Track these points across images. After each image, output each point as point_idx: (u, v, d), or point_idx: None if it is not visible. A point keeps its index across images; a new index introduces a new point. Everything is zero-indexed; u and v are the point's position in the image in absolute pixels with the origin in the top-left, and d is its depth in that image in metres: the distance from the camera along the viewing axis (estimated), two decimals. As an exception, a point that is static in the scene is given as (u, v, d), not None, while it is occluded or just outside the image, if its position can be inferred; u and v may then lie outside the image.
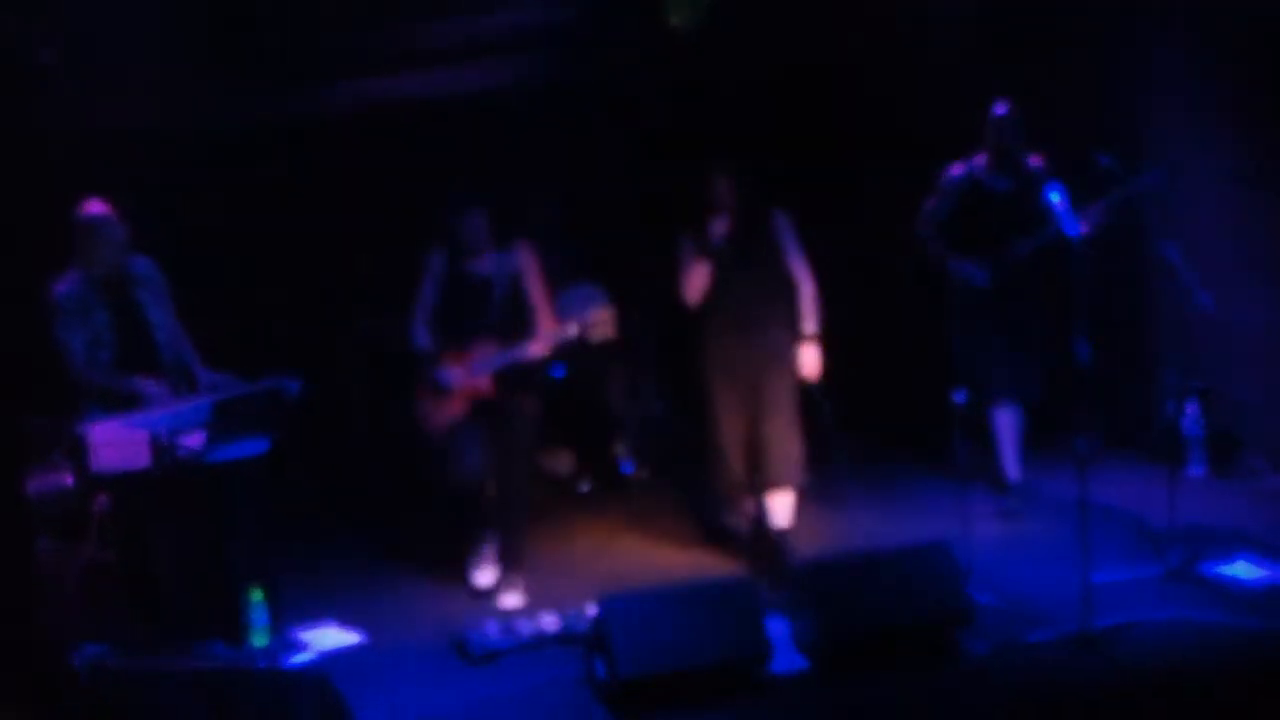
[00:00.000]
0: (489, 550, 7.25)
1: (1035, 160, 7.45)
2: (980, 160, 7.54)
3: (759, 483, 7.21)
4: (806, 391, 7.20)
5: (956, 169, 7.59)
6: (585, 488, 8.72)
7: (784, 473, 7.15)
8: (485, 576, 7.23)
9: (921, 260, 7.69)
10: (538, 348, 7.01)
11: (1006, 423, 7.71)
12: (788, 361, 7.12)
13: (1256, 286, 7.93)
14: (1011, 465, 7.75)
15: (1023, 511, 7.61)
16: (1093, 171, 6.99)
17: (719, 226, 7.04)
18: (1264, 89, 7.72)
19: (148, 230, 6.86)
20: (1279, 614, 6.34)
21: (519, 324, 7.10)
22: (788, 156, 8.39)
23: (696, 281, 7.07)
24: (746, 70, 9.28)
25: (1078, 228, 6.33)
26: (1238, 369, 8.22)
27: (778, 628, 6.27)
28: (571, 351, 7.20)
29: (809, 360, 7.13)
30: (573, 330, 7.00)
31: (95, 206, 6.64)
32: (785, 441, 7.11)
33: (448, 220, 7.07)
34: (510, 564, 7.17)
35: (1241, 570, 6.80)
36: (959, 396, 6.76)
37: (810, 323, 7.14)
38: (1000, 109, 7.41)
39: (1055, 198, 6.45)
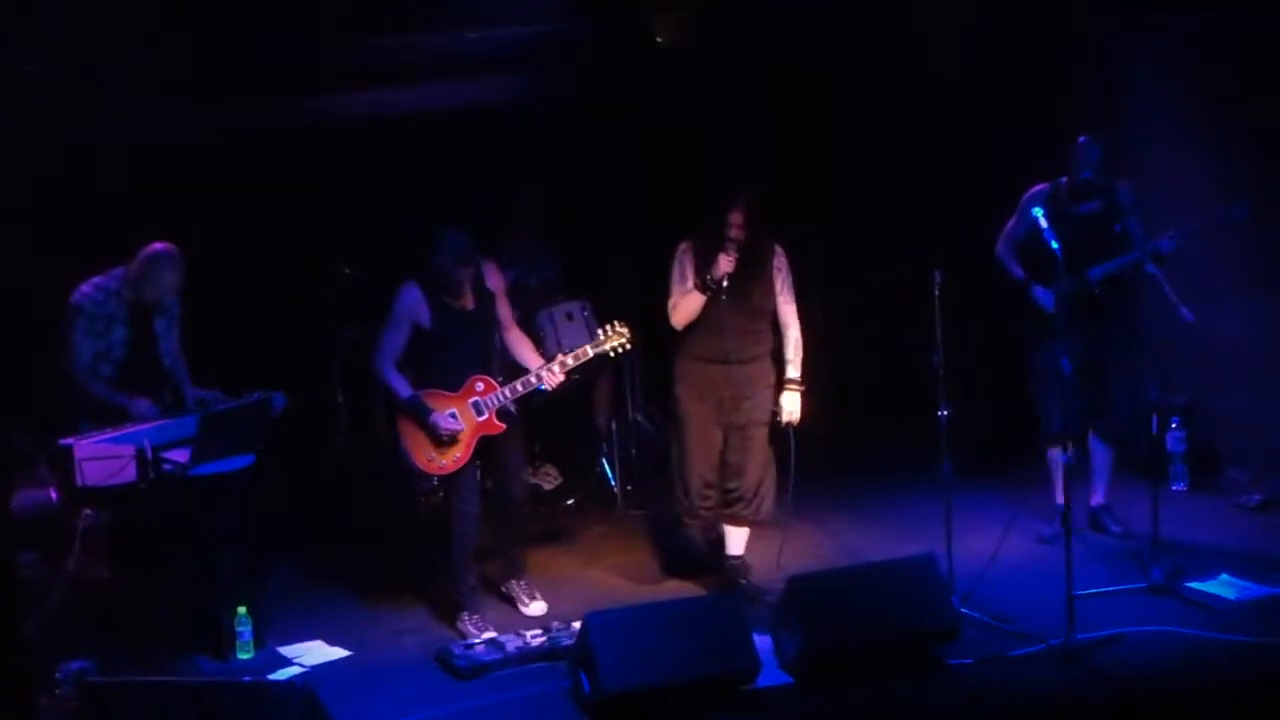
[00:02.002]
0: (520, 583, 7.21)
1: (1123, 186, 7.33)
2: (1065, 181, 7.40)
3: (724, 511, 7.17)
4: (779, 429, 7.10)
5: (1039, 188, 7.43)
6: (570, 502, 8.72)
7: (750, 510, 7.11)
8: (539, 604, 7.15)
9: (1002, 280, 7.51)
10: (552, 379, 6.85)
11: (1059, 456, 7.45)
12: (764, 396, 7.05)
13: (1238, 302, 7.97)
14: (1059, 492, 7.61)
15: (1059, 537, 7.40)
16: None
17: (725, 263, 6.87)
18: (1246, 102, 7.79)
19: (130, 243, 6.86)
20: (1260, 628, 6.37)
21: (496, 351, 7.05)
22: (780, 169, 8.41)
23: (688, 309, 6.98)
24: (736, 85, 9.32)
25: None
26: (1220, 384, 8.26)
27: (762, 643, 6.27)
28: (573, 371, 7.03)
29: (791, 406, 7.05)
30: (588, 353, 6.91)
31: (162, 245, 6.68)
32: (756, 479, 7.07)
33: (434, 264, 6.75)
34: (521, 573, 7.21)
35: (1223, 585, 6.84)
36: (944, 411, 6.76)
37: (795, 368, 7.06)
38: (1083, 140, 7.28)
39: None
